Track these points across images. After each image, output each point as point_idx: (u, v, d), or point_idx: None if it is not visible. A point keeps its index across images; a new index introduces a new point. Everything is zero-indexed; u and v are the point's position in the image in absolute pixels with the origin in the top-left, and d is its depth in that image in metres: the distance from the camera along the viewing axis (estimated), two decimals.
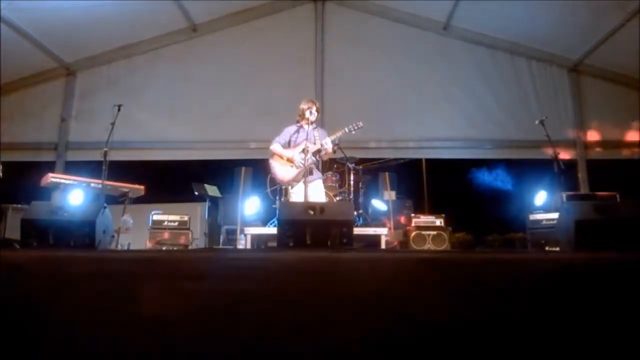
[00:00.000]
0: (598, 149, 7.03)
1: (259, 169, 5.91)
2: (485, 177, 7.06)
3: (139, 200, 5.65)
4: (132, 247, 5.24)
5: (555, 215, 4.67)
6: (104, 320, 1.62)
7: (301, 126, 4.96)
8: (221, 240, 6.32)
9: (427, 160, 7.24)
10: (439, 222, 5.48)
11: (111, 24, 6.87)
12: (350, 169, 5.92)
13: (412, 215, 5.67)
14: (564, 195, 5.03)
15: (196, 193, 6.57)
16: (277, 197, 5.71)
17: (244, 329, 1.60)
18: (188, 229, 5.61)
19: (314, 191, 4.75)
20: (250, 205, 6.07)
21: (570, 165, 6.75)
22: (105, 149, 4.83)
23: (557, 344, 1.56)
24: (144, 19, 6.99)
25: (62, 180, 5.20)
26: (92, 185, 5.18)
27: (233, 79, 7.36)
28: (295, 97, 5.34)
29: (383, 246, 5.17)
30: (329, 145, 4.77)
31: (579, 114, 7.07)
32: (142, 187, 5.54)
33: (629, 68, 6.69)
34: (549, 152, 5.33)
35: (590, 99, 7.10)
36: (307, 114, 4.86)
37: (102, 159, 4.83)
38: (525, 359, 1.56)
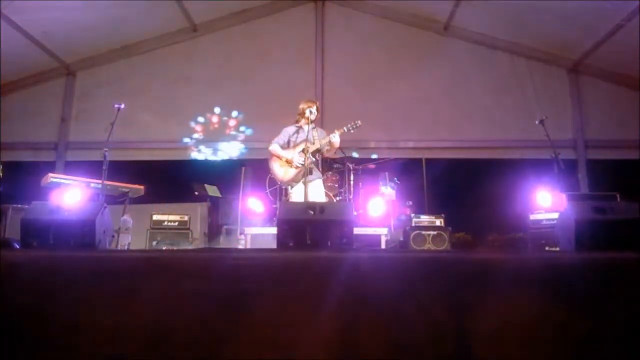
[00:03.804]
0: (598, 149, 7.03)
1: (259, 169, 5.90)
2: (485, 177, 7.05)
3: (139, 200, 5.64)
4: (132, 247, 5.23)
5: (555, 215, 4.67)
6: (104, 320, 1.62)
7: (300, 126, 4.97)
8: (221, 240, 6.32)
9: (427, 160, 7.23)
10: (439, 222, 5.47)
11: (111, 24, 6.87)
12: (350, 169, 5.92)
13: (412, 215, 5.66)
14: (564, 195, 5.03)
15: (196, 193, 6.57)
16: (277, 197, 5.72)
17: (244, 328, 1.60)
18: (188, 229, 5.61)
19: (314, 191, 4.75)
20: (254, 205, 6.07)
21: (570, 165, 6.75)
22: (105, 149, 4.83)
23: (557, 343, 1.56)
24: (144, 19, 7.00)
25: (62, 180, 5.19)
26: (92, 185, 5.18)
27: (233, 79, 7.37)
28: (295, 97, 5.34)
29: (383, 246, 5.17)
30: (336, 139, 4.77)
31: (579, 114, 7.07)
32: (142, 187, 5.53)
33: (629, 68, 6.68)
34: (549, 152, 5.33)
35: (590, 99, 7.10)
36: (307, 112, 4.86)
37: (102, 159, 4.83)
38: (525, 358, 1.56)
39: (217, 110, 7.35)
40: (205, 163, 7.38)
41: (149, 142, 7.32)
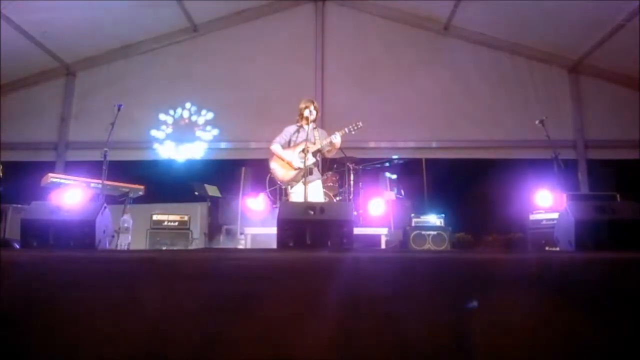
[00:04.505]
0: (598, 149, 7.03)
1: (259, 169, 5.90)
2: (484, 177, 7.05)
3: (139, 200, 5.64)
4: (132, 247, 5.23)
5: (555, 215, 4.67)
6: (104, 320, 1.62)
7: (301, 126, 4.96)
8: (221, 240, 6.32)
9: (427, 160, 7.23)
10: (439, 222, 5.47)
11: (111, 24, 6.87)
12: (350, 169, 5.92)
13: (412, 215, 5.66)
14: (564, 195, 5.03)
15: (196, 193, 6.56)
16: (277, 197, 5.72)
17: (245, 328, 1.59)
18: (188, 229, 5.61)
19: (314, 191, 4.75)
20: (254, 204, 6.07)
21: (570, 165, 6.75)
22: (105, 149, 4.83)
23: (557, 343, 1.55)
24: (144, 19, 7.00)
25: (62, 180, 5.19)
26: (92, 185, 5.18)
27: (233, 78, 7.37)
28: (295, 97, 5.34)
29: (383, 246, 5.17)
30: (337, 140, 4.78)
31: (579, 114, 7.07)
32: (142, 187, 5.53)
33: (629, 68, 6.68)
34: (549, 152, 5.33)
35: (590, 99, 7.10)
36: (306, 112, 4.87)
37: (102, 159, 4.83)
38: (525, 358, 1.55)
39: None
40: (206, 163, 7.39)
41: (149, 141, 7.32)
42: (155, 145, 7.25)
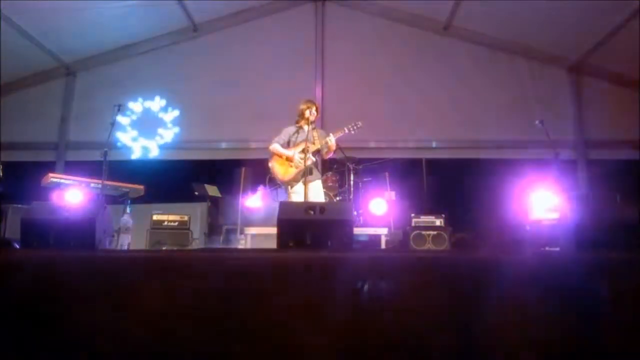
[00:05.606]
0: (598, 149, 7.04)
1: (259, 169, 5.90)
2: (485, 177, 7.05)
3: (139, 200, 5.64)
4: (132, 247, 5.22)
5: (555, 215, 4.67)
6: (104, 320, 1.62)
7: (300, 127, 4.96)
8: (221, 240, 6.32)
9: (427, 160, 7.24)
10: (439, 222, 5.47)
11: (111, 24, 6.87)
12: (350, 169, 5.92)
13: (412, 215, 5.66)
14: (564, 195, 5.03)
15: (196, 193, 6.56)
16: (277, 197, 5.73)
17: (245, 328, 1.60)
18: (188, 229, 5.61)
19: (314, 191, 4.75)
20: (255, 200, 6.07)
21: (570, 165, 6.75)
22: (105, 149, 4.83)
23: (556, 342, 1.55)
24: (144, 19, 7.00)
25: (62, 180, 5.19)
26: (92, 185, 5.18)
27: (233, 78, 7.37)
28: (295, 97, 5.34)
29: (383, 246, 5.17)
30: (332, 142, 4.78)
31: (579, 114, 7.08)
32: (142, 187, 5.53)
33: (629, 68, 6.68)
34: (549, 152, 5.33)
35: (590, 99, 7.11)
36: (307, 113, 4.86)
37: (102, 159, 4.83)
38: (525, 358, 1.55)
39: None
40: (206, 163, 7.39)
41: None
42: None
